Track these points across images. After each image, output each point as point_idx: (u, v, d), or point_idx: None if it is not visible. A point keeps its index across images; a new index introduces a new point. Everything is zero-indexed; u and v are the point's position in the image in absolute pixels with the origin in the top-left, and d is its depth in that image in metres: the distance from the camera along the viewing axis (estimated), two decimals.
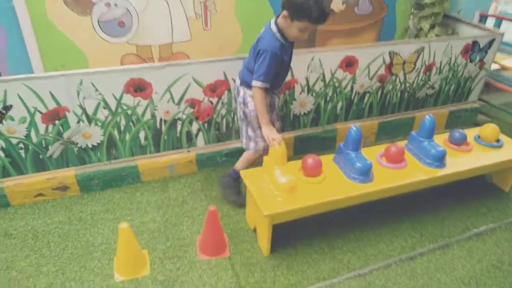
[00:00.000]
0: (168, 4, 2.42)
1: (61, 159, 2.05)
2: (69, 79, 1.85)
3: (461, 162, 2.04)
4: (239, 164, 2.07)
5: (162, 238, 1.87)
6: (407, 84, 2.68)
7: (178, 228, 1.93)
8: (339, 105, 2.56)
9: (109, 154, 2.13)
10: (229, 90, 2.19)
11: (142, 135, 2.14)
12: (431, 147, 1.98)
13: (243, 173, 1.90)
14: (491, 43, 2.76)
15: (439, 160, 1.96)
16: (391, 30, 3.11)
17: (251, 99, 1.88)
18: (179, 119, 2.17)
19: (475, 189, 2.28)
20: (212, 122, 2.26)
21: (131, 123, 2.08)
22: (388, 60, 2.50)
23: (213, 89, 2.15)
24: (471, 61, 2.79)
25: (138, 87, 1.98)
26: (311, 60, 2.28)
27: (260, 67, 1.77)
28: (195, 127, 2.24)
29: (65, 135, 1.98)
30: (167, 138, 2.21)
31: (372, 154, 2.04)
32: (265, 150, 1.96)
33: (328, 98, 2.48)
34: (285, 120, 2.46)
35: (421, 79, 2.70)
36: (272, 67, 1.77)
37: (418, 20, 3.01)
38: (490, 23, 3.24)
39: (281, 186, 1.68)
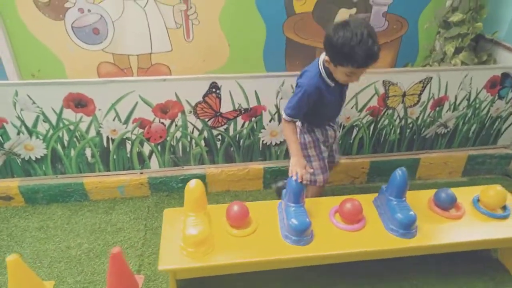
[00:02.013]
0: (145, 13, 2.28)
1: (5, 169, 2.02)
2: (3, 90, 1.78)
3: (440, 233, 1.61)
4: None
5: (76, 270, 1.73)
6: (409, 120, 2.24)
7: (98, 261, 1.78)
8: None
9: (54, 168, 2.05)
10: (183, 112, 1.98)
11: (88, 152, 2.03)
12: (398, 209, 1.58)
13: (166, 211, 1.68)
14: None
15: (405, 227, 1.56)
16: (412, 51, 2.65)
17: (298, 132, 1.75)
18: (127, 138, 2.02)
19: (472, 262, 1.81)
20: (166, 144, 2.08)
21: (75, 139, 1.97)
22: (382, 90, 2.10)
23: (164, 109, 1.96)
24: (500, 97, 2.25)
25: (79, 103, 1.87)
26: (281, 85, 1.98)
27: (291, 99, 1.63)
28: (147, 148, 2.07)
29: (6, 145, 1.94)
30: (117, 158, 2.07)
31: (326, 207, 1.69)
32: (314, 183, 1.82)
33: None
34: (254, 149, 2.19)
35: (428, 115, 2.24)
36: (302, 104, 1.59)
37: (443, 41, 2.52)
38: None
39: (186, 238, 1.43)
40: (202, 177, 2.18)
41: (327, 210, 1.69)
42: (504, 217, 1.69)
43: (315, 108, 1.64)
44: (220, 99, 1.97)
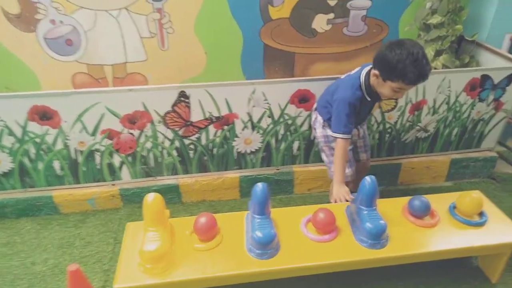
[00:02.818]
0: (118, 23, 2.25)
1: None
2: None
3: (412, 243, 1.54)
4: (331, 198, 1.91)
5: (38, 287, 1.68)
6: (388, 125, 2.18)
7: (63, 277, 1.72)
8: (295, 145, 2.16)
9: (23, 182, 2.01)
10: (152, 122, 1.94)
11: (57, 164, 1.99)
12: (367, 218, 1.52)
13: (129, 225, 1.63)
14: (511, 78, 2.14)
15: (374, 237, 1.49)
16: None
17: (319, 126, 1.85)
18: (96, 150, 1.98)
19: (451, 269, 1.74)
20: (136, 155, 2.03)
21: (41, 152, 1.93)
22: None
23: (132, 120, 1.92)
24: (481, 100, 2.19)
25: (44, 115, 1.83)
26: (252, 93, 1.94)
27: (339, 118, 1.68)
28: (117, 159, 2.03)
29: None
30: (86, 170, 2.03)
31: (297, 217, 1.64)
32: (351, 177, 1.87)
33: (279, 136, 2.11)
34: (228, 158, 2.14)
35: (407, 120, 2.18)
36: (351, 116, 1.67)
37: (424, 44, 2.47)
38: None
39: (143, 254, 1.38)
40: (176, 187, 2.13)
41: (299, 219, 1.64)
42: (480, 224, 1.62)
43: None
44: (189, 108, 1.92)
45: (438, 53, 2.37)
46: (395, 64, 1.48)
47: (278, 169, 2.22)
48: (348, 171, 1.85)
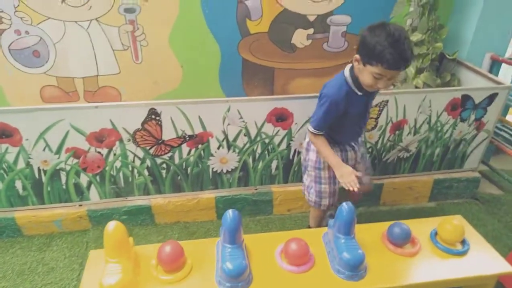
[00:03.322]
0: (89, 35, 2.15)
1: None
2: None
3: (391, 273, 1.46)
4: (311, 221, 1.95)
5: None
6: (369, 145, 2.12)
7: None
8: (274, 164, 2.08)
9: None
10: (120, 140, 1.83)
11: (19, 184, 1.86)
12: (344, 247, 1.44)
13: (92, 254, 1.52)
14: (492, 98, 2.11)
15: (352, 269, 1.41)
16: None
17: (313, 150, 1.72)
18: (61, 169, 1.86)
19: None
20: (105, 175, 1.92)
21: (2, 171, 1.81)
22: None
23: (99, 138, 1.81)
24: (462, 120, 2.15)
25: (3, 133, 1.71)
26: (226, 111, 1.86)
27: (317, 111, 1.60)
28: (84, 179, 1.91)
29: None
30: (51, 190, 1.91)
31: (272, 245, 1.54)
32: (318, 205, 1.80)
33: (257, 155, 2.02)
34: (203, 178, 2.04)
35: (388, 139, 2.12)
36: (329, 115, 1.56)
37: None
38: (506, 69, 2.55)
39: None
40: (148, 208, 2.02)
41: (274, 247, 1.55)
42: (463, 253, 1.55)
43: (338, 122, 1.60)
44: (161, 126, 1.83)
45: (419, 71, 2.34)
46: (373, 45, 1.37)
47: (256, 189, 2.13)
48: (328, 200, 1.77)
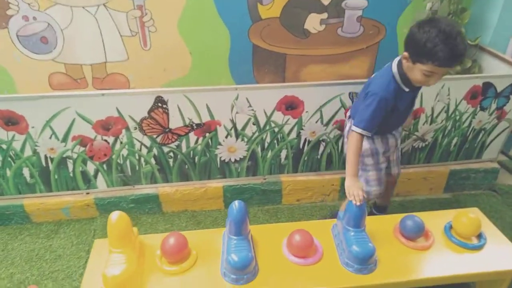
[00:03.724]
0: (97, 20, 2.11)
1: None
2: None
3: (402, 267, 1.41)
4: (343, 207, 1.79)
5: None
6: None
7: None
8: (283, 153, 2.03)
9: None
10: (127, 128, 1.81)
11: (26, 172, 1.87)
12: (354, 241, 1.39)
13: (97, 242, 1.51)
14: None
15: (361, 262, 1.36)
16: (392, 57, 2.44)
17: None
18: (68, 157, 1.85)
19: None
20: (112, 163, 1.91)
21: (9, 159, 1.81)
22: (349, 103, 1.91)
23: (105, 126, 1.79)
24: (483, 109, 2.05)
25: (9, 121, 1.70)
26: (235, 99, 1.80)
27: (364, 111, 1.49)
28: (91, 167, 1.90)
29: None
30: (59, 177, 1.91)
31: (280, 236, 1.51)
32: (367, 194, 1.69)
33: (266, 144, 1.98)
34: (211, 167, 2.01)
35: (403, 129, 2.04)
36: (378, 114, 1.48)
37: None
38: None
39: (106, 279, 1.25)
40: (155, 197, 2.01)
41: (282, 239, 1.51)
42: (479, 248, 1.49)
43: (385, 117, 1.51)
44: (167, 114, 1.79)
45: None
46: (423, 43, 1.30)
47: (265, 179, 2.09)
48: (378, 189, 1.71)
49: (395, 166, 1.80)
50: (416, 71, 1.39)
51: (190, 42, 2.19)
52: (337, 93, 1.87)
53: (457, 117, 2.05)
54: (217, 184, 2.04)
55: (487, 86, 1.97)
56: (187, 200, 2.05)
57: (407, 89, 1.49)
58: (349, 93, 1.88)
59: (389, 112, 1.51)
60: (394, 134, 1.69)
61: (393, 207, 2.16)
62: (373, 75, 1.63)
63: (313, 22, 2.30)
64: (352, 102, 1.91)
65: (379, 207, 1.96)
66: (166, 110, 1.78)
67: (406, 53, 1.40)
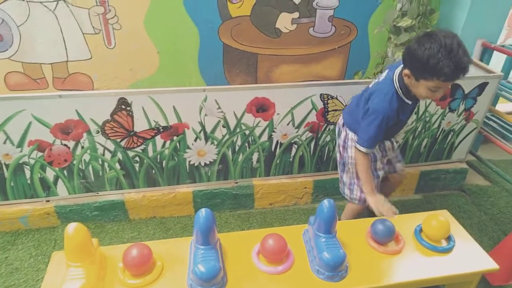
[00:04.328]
0: (56, 17, 1.99)
1: None
2: None
3: (373, 273, 1.39)
4: (343, 216, 1.85)
5: None
6: None
7: None
8: (255, 156, 1.98)
9: None
10: (88, 132, 1.71)
11: None
12: (324, 247, 1.36)
13: (55, 255, 1.41)
14: (482, 87, 2.02)
15: (332, 269, 1.33)
16: (363, 57, 2.46)
17: (352, 145, 1.62)
18: (25, 163, 1.73)
19: None
20: (73, 168, 1.80)
21: None
22: (320, 105, 1.88)
23: (65, 130, 1.69)
24: (451, 110, 2.07)
25: None
26: (203, 100, 1.74)
27: (367, 129, 1.48)
28: (50, 173, 1.79)
29: None
30: (15, 185, 1.79)
31: (250, 243, 1.46)
32: (364, 202, 1.69)
33: (236, 147, 1.92)
34: (180, 171, 1.93)
35: None
36: (381, 131, 1.47)
37: (394, 48, 2.33)
38: (498, 56, 2.46)
39: None
40: (121, 204, 1.92)
41: (252, 246, 1.46)
42: (448, 250, 1.49)
43: (386, 130, 1.50)
44: (132, 116, 1.71)
45: None
46: (426, 60, 1.28)
47: (236, 183, 2.04)
48: (360, 194, 1.71)
49: (397, 163, 1.80)
50: (421, 88, 1.37)
51: (158, 41, 2.11)
52: (308, 95, 1.83)
53: (427, 119, 2.06)
54: (186, 189, 1.97)
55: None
56: (155, 207, 1.97)
57: (409, 102, 1.48)
58: (320, 95, 1.85)
59: (392, 125, 1.51)
60: (390, 139, 1.72)
61: (366, 211, 2.15)
62: (373, 83, 1.58)
63: (285, 21, 2.27)
64: (325, 105, 1.88)
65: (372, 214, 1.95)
66: (130, 113, 1.69)
67: (407, 71, 1.38)
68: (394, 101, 1.45)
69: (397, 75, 1.47)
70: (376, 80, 1.59)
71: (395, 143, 1.75)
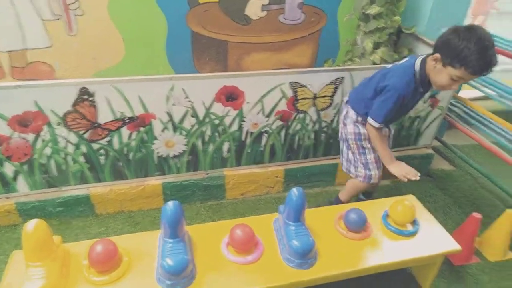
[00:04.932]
0: (11, 1, 1.86)
1: None
2: None
3: (342, 259, 1.42)
4: (343, 193, 1.91)
5: None
6: (324, 124, 2.05)
7: None
8: (225, 146, 1.95)
9: None
10: (49, 124, 1.63)
11: None
12: (294, 235, 1.37)
13: (15, 254, 1.35)
14: None
15: (301, 257, 1.34)
16: (333, 45, 2.45)
17: (350, 122, 1.72)
18: None
19: (385, 279, 1.66)
20: (34, 163, 1.72)
21: None
22: (290, 93, 1.87)
23: (23, 122, 1.60)
24: None
25: None
26: (170, 89, 1.69)
27: (381, 105, 1.56)
28: (9, 168, 1.70)
29: None
30: None
31: (219, 234, 1.45)
32: (369, 179, 1.78)
33: (206, 137, 1.89)
34: (148, 163, 1.88)
35: None
36: (395, 107, 1.55)
37: (363, 35, 2.34)
38: None
39: None
40: (86, 198, 1.85)
41: (221, 237, 1.45)
42: (413, 234, 1.53)
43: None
44: (95, 107, 1.64)
45: (376, 46, 2.26)
46: (461, 49, 1.34)
47: (207, 174, 2.01)
48: (378, 172, 1.77)
49: None
50: (444, 75, 1.43)
51: (123, 28, 2.02)
52: (278, 83, 1.82)
53: None
54: (155, 182, 1.93)
55: None
56: (122, 200, 1.92)
57: (422, 90, 1.56)
58: (290, 83, 1.83)
59: (401, 106, 1.57)
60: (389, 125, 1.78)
61: (335, 196, 2.18)
62: (389, 66, 1.64)
63: (254, 8, 2.22)
64: (294, 93, 1.87)
65: (366, 193, 2.03)
66: (93, 103, 1.62)
67: (438, 55, 1.43)
68: (411, 84, 1.52)
69: (419, 61, 1.52)
70: (395, 63, 1.67)
71: (391, 133, 1.82)
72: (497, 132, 2.09)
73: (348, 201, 1.92)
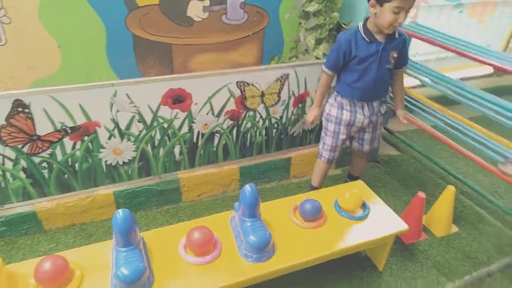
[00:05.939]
0: None
1: None
2: None
3: (299, 248, 1.45)
4: (312, 176, 2.07)
5: None
6: (274, 120, 2.08)
7: None
8: (177, 149, 1.93)
9: None
10: None
11: None
12: (250, 231, 1.38)
13: None
14: None
15: (259, 251, 1.36)
16: (278, 43, 2.50)
17: (328, 102, 1.86)
18: None
19: (342, 263, 1.71)
20: None
21: None
22: (238, 92, 1.89)
23: None
24: None
25: None
26: (113, 96, 1.64)
27: (329, 54, 1.76)
28: None
29: None
30: None
31: (176, 238, 1.43)
32: (323, 158, 1.95)
33: (156, 142, 1.85)
34: (96, 173, 1.81)
35: (292, 113, 2.11)
36: (335, 55, 1.71)
37: (305, 32, 2.41)
38: None
39: None
40: (32, 215, 1.75)
41: (178, 240, 1.43)
42: (363, 218, 1.61)
43: (350, 69, 1.71)
44: (32, 119, 1.55)
45: (318, 42, 2.34)
46: None
47: (160, 178, 1.97)
48: (329, 154, 1.92)
49: (367, 145, 1.96)
50: (386, 12, 1.55)
51: (57, 34, 1.93)
52: (224, 83, 1.82)
53: None
54: (106, 191, 1.86)
55: None
56: (72, 213, 1.83)
57: (366, 39, 1.66)
58: (237, 82, 1.85)
59: (352, 60, 1.69)
60: (365, 112, 1.80)
61: (291, 189, 2.24)
62: None
63: (196, 9, 2.21)
64: (242, 92, 1.89)
65: (351, 176, 2.17)
66: (30, 115, 1.53)
67: (372, 1, 1.58)
68: (349, 35, 1.69)
69: (361, 23, 1.69)
70: None
71: (371, 122, 1.85)
72: (435, 116, 2.24)
73: (321, 185, 2.06)
